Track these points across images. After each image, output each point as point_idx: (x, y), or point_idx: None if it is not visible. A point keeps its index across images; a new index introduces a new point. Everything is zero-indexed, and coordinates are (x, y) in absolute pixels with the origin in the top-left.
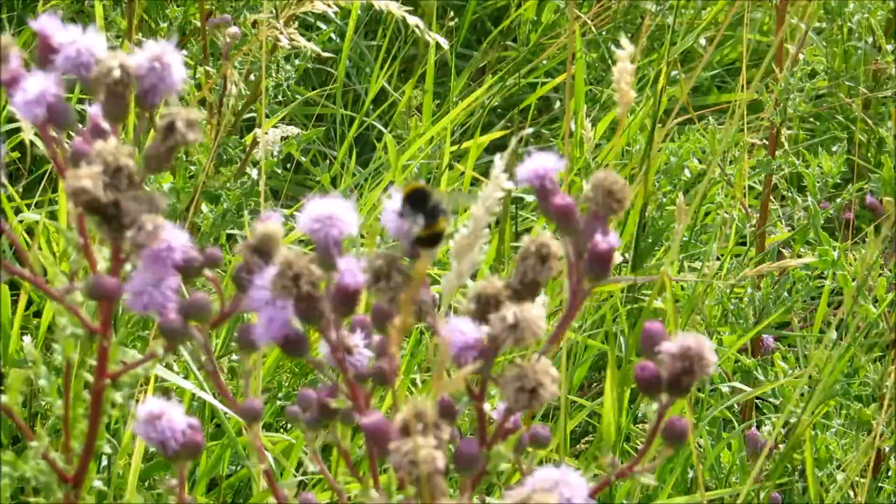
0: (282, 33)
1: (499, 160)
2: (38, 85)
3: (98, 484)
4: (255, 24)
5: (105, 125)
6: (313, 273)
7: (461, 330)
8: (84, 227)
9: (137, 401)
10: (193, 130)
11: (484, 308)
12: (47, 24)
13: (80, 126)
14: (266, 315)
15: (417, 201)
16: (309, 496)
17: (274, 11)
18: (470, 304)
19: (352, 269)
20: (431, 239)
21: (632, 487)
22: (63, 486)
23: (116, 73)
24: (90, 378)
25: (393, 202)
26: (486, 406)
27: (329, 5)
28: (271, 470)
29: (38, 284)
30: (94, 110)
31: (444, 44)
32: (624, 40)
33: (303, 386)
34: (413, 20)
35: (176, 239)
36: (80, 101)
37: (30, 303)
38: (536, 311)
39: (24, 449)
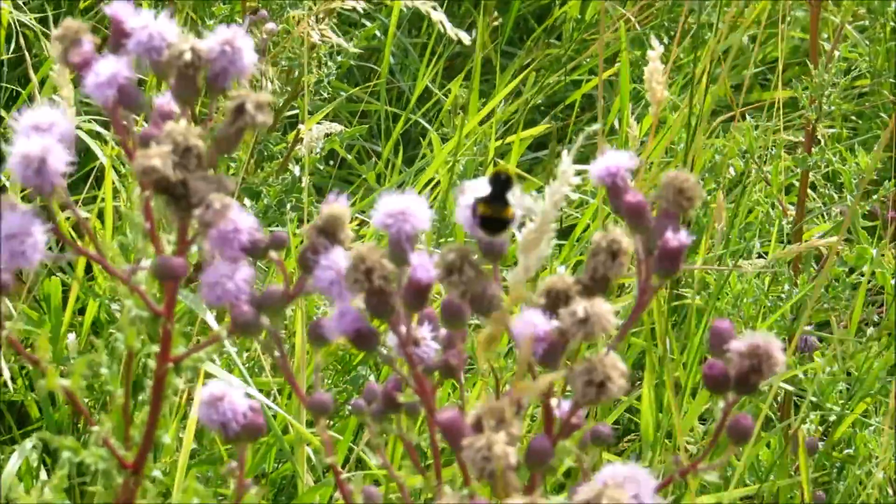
0: (314, 30)
1: (566, 155)
2: (110, 67)
3: (157, 473)
4: (298, 23)
5: (173, 110)
6: (386, 267)
7: (532, 322)
8: (150, 212)
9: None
10: (262, 112)
11: (554, 302)
12: (120, 9)
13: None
14: (338, 309)
15: (498, 183)
16: (372, 490)
17: (309, 9)
18: (540, 299)
19: (424, 264)
20: (494, 222)
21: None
22: (123, 472)
23: (188, 57)
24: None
25: (466, 197)
26: (553, 402)
27: (358, 2)
28: (336, 464)
29: (104, 265)
30: (161, 100)
31: (466, 39)
32: (654, 41)
33: (345, 382)
34: (437, 16)
35: (242, 220)
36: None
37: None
38: (606, 306)
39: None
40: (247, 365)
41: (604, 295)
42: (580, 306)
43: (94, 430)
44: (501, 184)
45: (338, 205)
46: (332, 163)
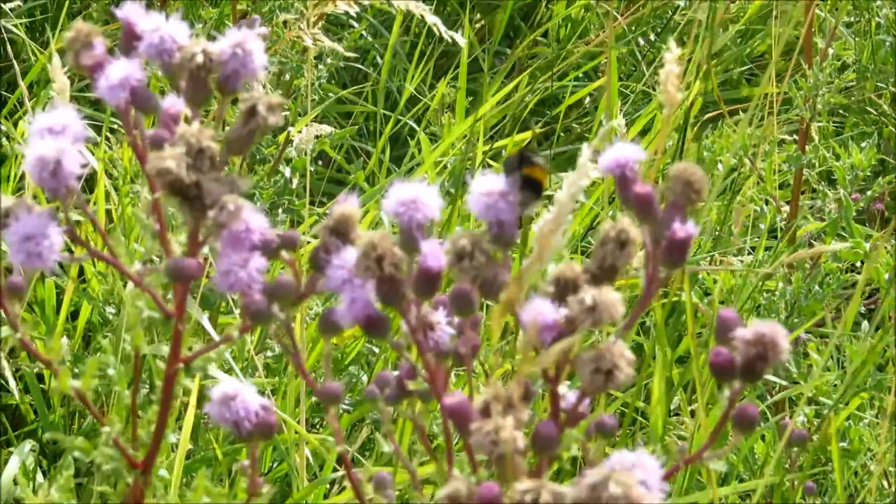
0: (306, 34)
1: (586, 148)
2: (122, 70)
3: (163, 472)
4: (286, 24)
5: (180, 111)
6: (396, 255)
7: (541, 311)
8: (161, 214)
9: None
10: (274, 114)
11: (562, 291)
12: (131, 12)
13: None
14: (348, 296)
15: (525, 156)
16: (383, 475)
17: (300, 13)
18: (548, 287)
19: (434, 252)
20: (537, 183)
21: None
22: (132, 471)
23: (199, 59)
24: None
25: (478, 183)
26: (562, 388)
27: (350, 5)
28: (346, 454)
29: (118, 266)
30: (169, 101)
31: (461, 41)
32: (672, 43)
33: (338, 379)
34: (432, 19)
35: (254, 220)
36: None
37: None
38: (614, 295)
39: (91, 434)
40: (240, 365)
41: (612, 284)
42: (588, 294)
43: (104, 431)
44: (530, 155)
45: (349, 204)
46: (320, 162)
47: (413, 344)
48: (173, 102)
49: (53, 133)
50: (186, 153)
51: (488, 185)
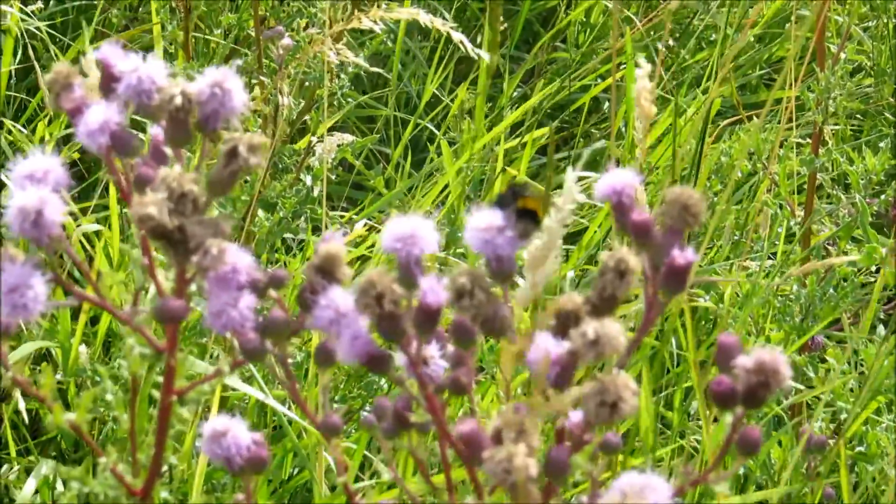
0: (331, 49)
1: (571, 172)
2: (101, 114)
3: (165, 495)
4: (309, 35)
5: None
6: (395, 292)
7: (544, 347)
8: (148, 247)
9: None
10: (255, 155)
11: (564, 324)
12: (109, 52)
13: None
14: (349, 333)
15: (518, 189)
16: None
17: (322, 23)
18: (549, 320)
19: (434, 288)
20: (532, 214)
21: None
22: (131, 499)
23: (178, 101)
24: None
25: (475, 219)
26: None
27: (375, 21)
28: (348, 483)
29: (106, 308)
30: (156, 131)
31: (487, 58)
32: (642, 60)
33: (358, 388)
34: (458, 36)
35: (241, 261)
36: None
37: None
38: (616, 327)
39: (85, 460)
40: (261, 374)
41: (612, 314)
42: (590, 327)
43: (102, 461)
44: (522, 188)
45: (334, 243)
46: (341, 168)
47: (411, 377)
48: (158, 131)
49: (34, 181)
50: (168, 198)
51: (485, 220)
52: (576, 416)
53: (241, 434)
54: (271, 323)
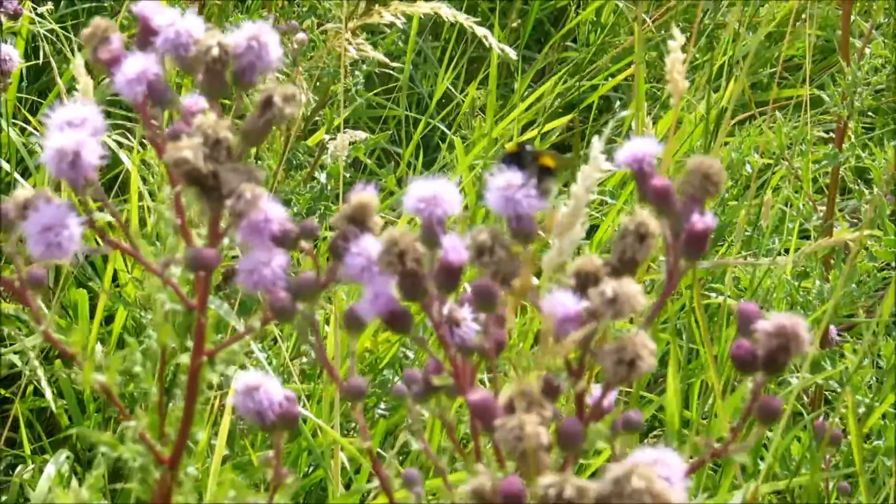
0: (350, 44)
1: (597, 141)
2: (139, 64)
3: (191, 469)
4: (323, 31)
5: (200, 108)
6: (417, 250)
7: (562, 303)
8: (181, 208)
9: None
10: (290, 105)
11: (583, 284)
12: (147, 7)
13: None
14: (371, 290)
15: (517, 161)
16: (412, 471)
17: (342, 21)
18: (570, 280)
19: (455, 246)
20: (547, 171)
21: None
22: (160, 468)
23: (215, 52)
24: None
25: (495, 178)
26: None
27: (397, 15)
28: (371, 449)
29: (139, 258)
30: (188, 100)
31: (513, 54)
32: (676, 31)
33: (372, 386)
34: (481, 31)
35: (273, 210)
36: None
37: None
38: (635, 286)
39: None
40: (276, 371)
41: (632, 276)
42: (609, 286)
43: (131, 425)
44: (533, 148)
45: (366, 193)
46: (352, 168)
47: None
48: (195, 100)
49: (72, 126)
50: (203, 143)
51: (506, 179)
52: (597, 391)
53: (273, 389)
54: (302, 283)
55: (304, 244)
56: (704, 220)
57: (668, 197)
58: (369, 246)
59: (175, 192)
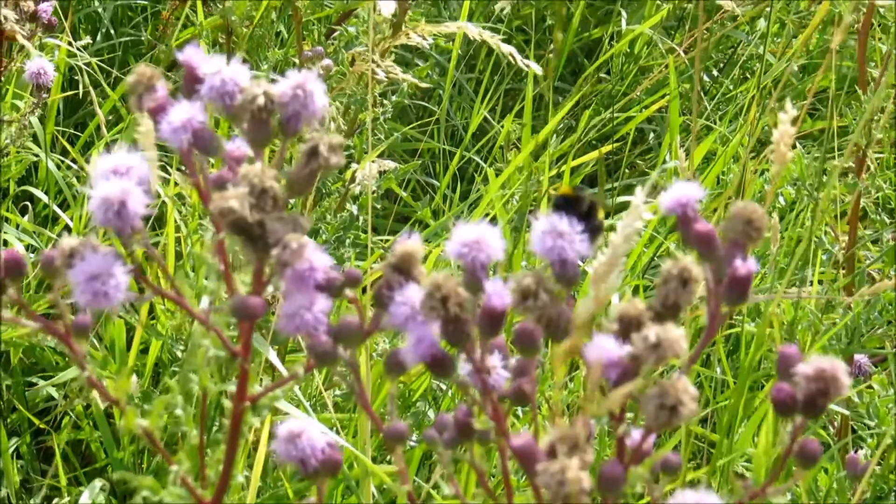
0: (378, 66)
1: (640, 191)
2: (184, 112)
3: None
4: (353, 62)
5: (244, 154)
6: (461, 295)
7: (605, 348)
8: (224, 254)
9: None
10: (336, 154)
11: (626, 328)
12: (192, 55)
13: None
14: (414, 335)
15: (570, 205)
16: None
17: (369, 45)
18: (612, 325)
19: (498, 291)
20: (593, 216)
21: None
22: None
23: (260, 101)
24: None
25: (540, 223)
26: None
27: (424, 36)
28: (411, 494)
29: (184, 306)
30: (232, 146)
31: (539, 70)
32: (788, 104)
33: (405, 418)
34: (507, 48)
35: (318, 259)
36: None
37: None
38: (677, 332)
39: (159, 472)
40: (310, 402)
41: (675, 321)
42: (652, 331)
43: (173, 470)
44: (574, 204)
45: (411, 242)
46: (386, 199)
47: (474, 384)
48: (238, 146)
49: (118, 174)
50: (249, 193)
51: (551, 224)
52: (635, 435)
53: (316, 436)
54: (344, 328)
55: (348, 292)
56: (747, 265)
57: (711, 242)
58: (414, 295)
59: (218, 239)
